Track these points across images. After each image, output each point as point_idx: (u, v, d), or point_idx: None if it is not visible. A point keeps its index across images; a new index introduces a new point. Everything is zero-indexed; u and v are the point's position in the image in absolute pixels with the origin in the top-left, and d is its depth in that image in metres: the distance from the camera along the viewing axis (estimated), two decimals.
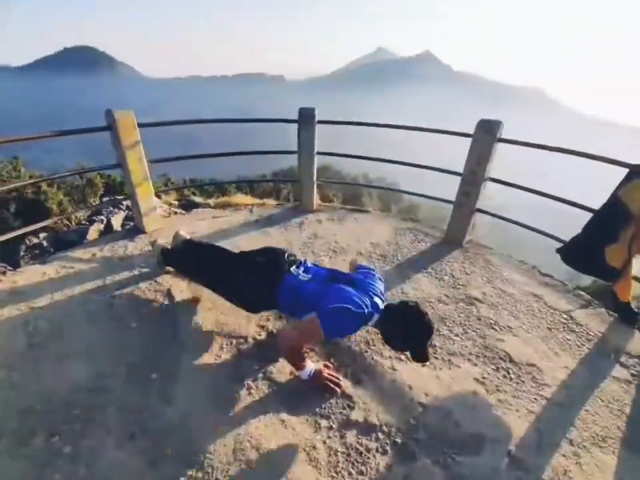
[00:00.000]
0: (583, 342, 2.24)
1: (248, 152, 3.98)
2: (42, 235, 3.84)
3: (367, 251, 3.18)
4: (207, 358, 1.96)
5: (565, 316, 2.47)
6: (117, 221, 4.05)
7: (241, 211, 3.98)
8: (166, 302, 2.39)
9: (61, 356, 1.92)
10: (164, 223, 3.50)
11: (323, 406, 1.72)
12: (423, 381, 1.90)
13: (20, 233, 2.87)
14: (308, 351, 1.98)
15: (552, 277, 2.93)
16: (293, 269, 1.92)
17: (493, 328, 2.33)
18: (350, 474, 1.45)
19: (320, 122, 3.55)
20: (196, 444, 1.52)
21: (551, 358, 2.10)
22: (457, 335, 2.25)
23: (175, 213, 4.97)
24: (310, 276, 1.89)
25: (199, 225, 3.53)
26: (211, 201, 5.58)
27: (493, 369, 2.01)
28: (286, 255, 2.02)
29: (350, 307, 1.62)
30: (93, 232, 3.84)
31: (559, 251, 2.53)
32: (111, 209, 4.43)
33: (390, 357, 2.03)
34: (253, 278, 1.95)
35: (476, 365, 2.03)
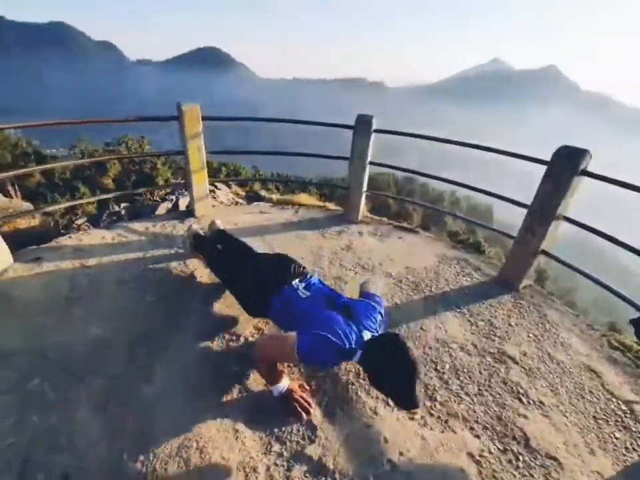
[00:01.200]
0: (635, 446, 1.68)
1: (300, 153, 4.04)
2: (122, 205, 4.48)
3: (399, 275, 2.92)
4: (196, 347, 2.02)
5: (623, 407, 1.89)
6: (183, 202, 4.47)
7: (287, 210, 4.04)
8: (185, 284, 2.55)
9: (84, 315, 2.19)
10: (214, 210, 3.76)
11: (283, 429, 1.61)
12: (404, 436, 1.64)
13: (111, 196, 3.38)
14: (284, 367, 1.88)
15: (625, 352, 2.29)
16: (295, 282, 1.85)
17: (518, 398, 1.90)
18: None
19: (376, 131, 3.38)
20: (152, 428, 1.56)
21: (582, 455, 1.62)
22: (467, 394, 1.90)
23: (237, 203, 5.31)
24: (309, 293, 1.80)
25: (243, 218, 3.69)
26: (274, 197, 5.82)
27: (499, 449, 1.63)
28: (293, 267, 1.97)
29: (330, 336, 1.48)
30: (162, 208, 4.31)
31: (633, 322, 1.95)
32: (184, 190, 4.93)
33: (376, 398, 1.81)
34: (255, 281, 1.95)
35: (478, 436, 1.68)
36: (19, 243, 2.96)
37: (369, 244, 3.39)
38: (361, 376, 1.93)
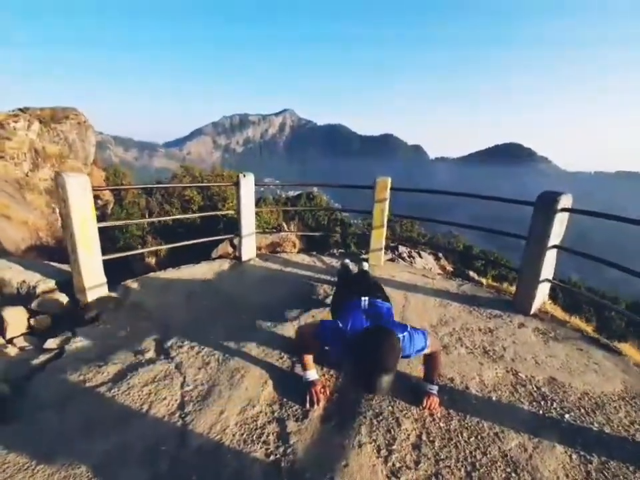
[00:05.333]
0: None
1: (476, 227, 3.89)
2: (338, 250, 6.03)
3: (527, 379, 2.28)
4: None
5: None
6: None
7: (452, 281, 3.96)
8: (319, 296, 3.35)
9: (272, 288, 3.47)
10: (385, 264, 4.38)
11: (291, 403, 1.97)
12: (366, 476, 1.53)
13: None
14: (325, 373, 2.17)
15: None
16: (364, 297, 2.18)
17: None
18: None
19: (564, 210, 2.87)
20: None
21: None
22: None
23: (429, 269, 5.57)
24: (367, 307, 2.08)
25: (402, 275, 4.04)
26: (484, 280, 5.55)
27: None
28: (373, 291, 2.31)
29: (339, 322, 1.84)
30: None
31: None
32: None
33: (372, 442, 1.74)
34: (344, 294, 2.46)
35: None
36: (274, 253, 4.92)
37: (521, 337, 2.79)
38: (384, 411, 1.90)
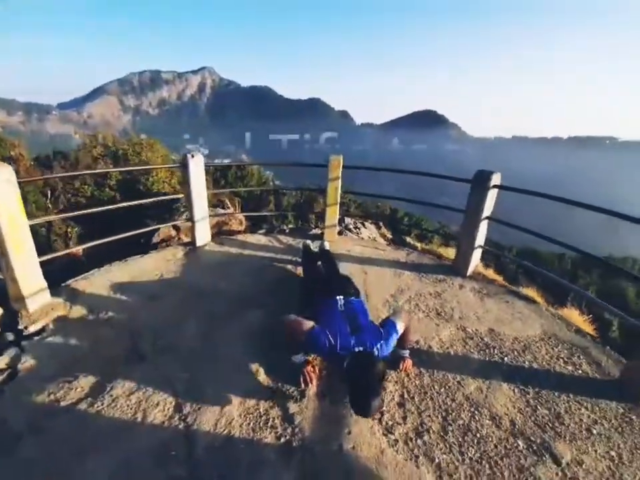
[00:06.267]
0: None
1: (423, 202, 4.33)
2: (290, 225, 6.07)
3: (474, 333, 2.75)
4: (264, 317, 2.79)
5: None
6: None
7: (400, 251, 4.37)
8: (284, 278, 3.43)
9: (231, 275, 3.41)
10: (339, 238, 4.60)
11: (286, 385, 2.10)
12: (366, 440, 1.78)
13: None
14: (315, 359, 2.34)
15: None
16: (339, 297, 2.33)
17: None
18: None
19: (496, 187, 3.35)
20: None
21: None
22: (461, 453, 1.76)
23: (374, 239, 5.99)
24: (344, 308, 2.25)
25: (356, 248, 4.32)
26: (419, 245, 6.13)
27: None
28: (346, 288, 2.47)
29: (329, 334, 1.96)
30: (315, 231, 5.58)
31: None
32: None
33: None
34: (316, 289, 2.56)
35: None
36: (221, 234, 4.76)
37: (463, 297, 3.29)
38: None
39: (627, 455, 1.81)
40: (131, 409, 1.88)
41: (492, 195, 3.42)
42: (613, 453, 1.81)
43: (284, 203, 14.10)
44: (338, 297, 2.30)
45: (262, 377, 2.17)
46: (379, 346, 1.96)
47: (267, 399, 2.01)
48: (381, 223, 7.37)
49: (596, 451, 1.82)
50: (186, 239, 4.62)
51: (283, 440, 1.77)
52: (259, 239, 4.46)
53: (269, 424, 1.85)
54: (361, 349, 1.89)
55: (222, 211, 6.69)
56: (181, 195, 4.49)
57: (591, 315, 3.38)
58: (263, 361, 2.29)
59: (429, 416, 1.97)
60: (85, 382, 2.05)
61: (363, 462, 1.69)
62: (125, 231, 3.51)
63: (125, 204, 3.71)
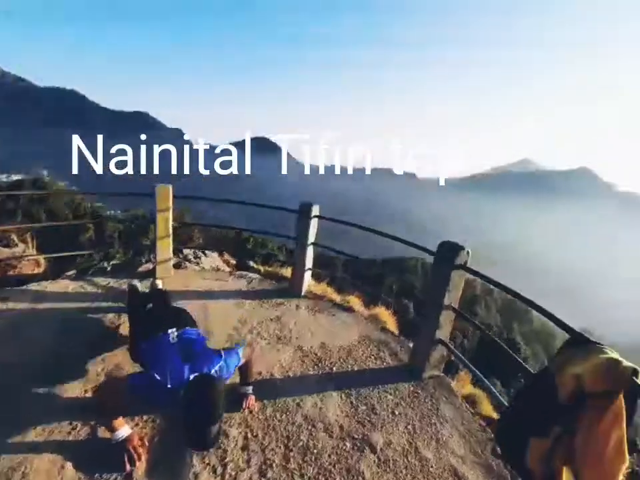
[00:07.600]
0: None
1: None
2: (111, 262, 5.20)
3: (310, 350, 3.06)
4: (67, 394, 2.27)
5: None
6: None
7: (242, 280, 4.43)
8: (105, 334, 2.90)
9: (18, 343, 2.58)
10: (175, 273, 4.25)
11: (105, 475, 1.75)
12: None
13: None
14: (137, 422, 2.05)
15: (507, 466, 2.14)
16: (171, 330, 2.11)
17: None
18: None
19: (317, 217, 3.87)
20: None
21: None
22: (301, 476, 1.92)
23: (218, 269, 5.80)
24: (177, 340, 2.06)
25: (198, 283, 4.12)
26: (262, 268, 6.25)
27: None
28: (179, 320, 2.27)
29: (155, 375, 1.76)
30: (144, 268, 4.91)
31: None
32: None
33: (205, 464, 1.90)
34: (141, 329, 2.25)
35: None
36: (7, 284, 3.57)
37: (299, 317, 3.60)
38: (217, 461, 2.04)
39: (418, 425, 2.39)
40: None
41: (314, 224, 3.94)
42: (410, 427, 2.36)
43: (107, 231, 11.84)
44: (170, 330, 2.10)
45: (70, 473, 1.74)
46: (217, 368, 1.89)
47: None
48: (222, 249, 7.24)
49: (399, 430, 2.33)
50: None
51: None
52: (65, 285, 3.60)
53: None
54: (196, 374, 1.78)
55: (5, 250, 5.03)
56: None
57: (395, 305, 4.34)
58: (70, 451, 1.84)
59: (272, 449, 2.04)
60: None
61: None
62: None
63: None
